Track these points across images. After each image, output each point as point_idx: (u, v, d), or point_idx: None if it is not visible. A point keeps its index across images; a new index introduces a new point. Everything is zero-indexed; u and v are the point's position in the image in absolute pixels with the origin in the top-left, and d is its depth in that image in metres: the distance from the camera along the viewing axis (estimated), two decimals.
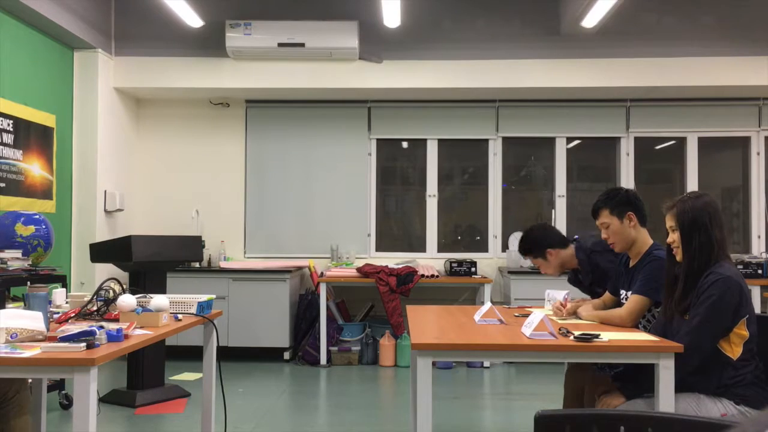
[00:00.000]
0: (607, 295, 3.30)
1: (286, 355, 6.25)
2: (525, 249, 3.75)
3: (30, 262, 4.42)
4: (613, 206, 3.10)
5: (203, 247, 6.30)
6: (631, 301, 2.96)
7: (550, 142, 6.91)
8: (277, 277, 6.17)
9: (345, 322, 6.37)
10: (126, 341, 2.46)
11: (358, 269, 6.26)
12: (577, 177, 7.05)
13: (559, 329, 2.72)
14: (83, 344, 2.25)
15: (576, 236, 3.87)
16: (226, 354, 6.12)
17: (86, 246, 5.55)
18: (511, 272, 6.24)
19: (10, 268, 4.17)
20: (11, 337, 2.34)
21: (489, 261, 6.78)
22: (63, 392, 4.57)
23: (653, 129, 6.83)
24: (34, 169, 5.39)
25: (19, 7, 5.00)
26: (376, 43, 6.32)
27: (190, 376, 5.54)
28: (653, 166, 7.10)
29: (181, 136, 6.93)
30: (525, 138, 6.95)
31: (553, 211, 6.71)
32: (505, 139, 6.92)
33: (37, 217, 4.68)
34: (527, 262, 6.57)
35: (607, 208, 3.12)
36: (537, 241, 3.69)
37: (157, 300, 2.92)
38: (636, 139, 6.86)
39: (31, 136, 5.34)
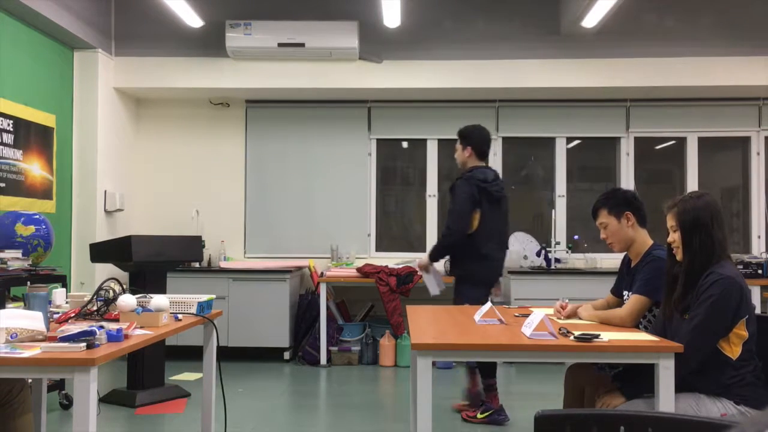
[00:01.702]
0: (609, 295, 3.31)
1: (286, 355, 6.25)
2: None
3: (30, 262, 4.42)
4: (611, 206, 3.11)
5: (203, 247, 6.30)
6: (631, 301, 2.97)
7: (550, 142, 6.91)
8: (277, 277, 6.17)
9: (345, 322, 6.37)
10: (126, 341, 2.46)
11: (358, 269, 6.26)
12: (577, 177, 7.05)
13: (559, 329, 2.72)
14: (83, 344, 2.25)
15: (489, 175, 4.44)
16: (226, 354, 6.12)
17: (86, 246, 5.55)
18: (511, 272, 6.24)
19: (10, 268, 4.17)
20: (11, 337, 2.34)
21: None
22: (63, 392, 4.57)
23: (653, 129, 6.83)
24: (34, 169, 5.39)
25: (19, 7, 5.00)
26: (376, 43, 6.32)
27: (190, 376, 5.54)
28: (653, 166, 7.10)
29: (181, 136, 6.93)
30: (525, 138, 6.95)
31: (553, 211, 6.71)
32: (505, 139, 6.92)
33: (37, 217, 4.68)
34: (527, 262, 6.61)
35: (605, 208, 3.13)
36: (464, 132, 4.53)
37: (157, 300, 2.92)
38: (636, 139, 6.86)
39: (31, 136, 5.34)
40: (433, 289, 4.65)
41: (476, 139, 4.44)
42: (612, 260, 6.33)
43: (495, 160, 6.89)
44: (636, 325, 2.94)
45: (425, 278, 4.63)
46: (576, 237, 6.92)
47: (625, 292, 3.13)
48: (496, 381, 4.34)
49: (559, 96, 6.65)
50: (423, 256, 4.63)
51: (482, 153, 4.46)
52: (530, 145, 7.03)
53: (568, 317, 3.20)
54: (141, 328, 2.69)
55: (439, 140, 6.92)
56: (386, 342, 6.15)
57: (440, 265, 5.42)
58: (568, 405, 3.18)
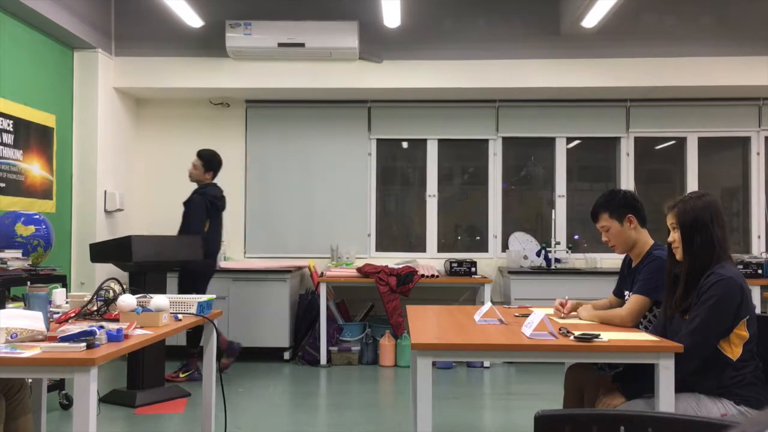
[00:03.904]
0: (611, 296, 3.31)
1: (286, 355, 6.25)
2: None
3: (30, 262, 4.42)
4: (613, 209, 3.09)
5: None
6: (632, 301, 2.96)
7: (550, 142, 6.91)
8: (277, 277, 6.16)
9: (345, 322, 6.36)
10: (126, 341, 2.46)
11: (358, 269, 6.26)
12: (577, 177, 7.05)
13: (559, 329, 2.72)
14: (83, 344, 2.25)
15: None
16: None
17: (86, 246, 5.54)
18: (511, 272, 6.24)
19: (10, 268, 4.17)
20: (11, 337, 2.34)
21: (489, 261, 6.78)
22: (63, 392, 4.57)
23: (653, 129, 6.83)
24: (34, 169, 5.39)
25: (19, 7, 5.00)
26: (376, 43, 6.32)
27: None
28: (653, 166, 7.10)
29: (181, 136, 6.92)
30: (525, 138, 6.95)
31: (553, 211, 6.71)
32: (505, 139, 6.91)
33: (37, 217, 4.68)
34: (527, 262, 6.61)
35: (607, 212, 3.10)
36: (208, 158, 5.55)
37: (157, 300, 2.92)
38: (636, 139, 6.86)
39: (31, 136, 5.34)
40: None
41: (216, 165, 5.59)
42: (612, 260, 6.33)
43: (495, 160, 6.89)
44: (636, 325, 2.94)
45: None
46: (576, 237, 6.93)
47: (626, 293, 3.13)
48: (197, 350, 5.32)
49: (559, 96, 6.65)
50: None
51: (216, 175, 5.66)
52: (530, 145, 7.03)
53: (570, 313, 3.20)
54: (141, 328, 2.69)
55: (439, 140, 6.92)
56: (386, 342, 6.15)
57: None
58: (568, 405, 3.18)
